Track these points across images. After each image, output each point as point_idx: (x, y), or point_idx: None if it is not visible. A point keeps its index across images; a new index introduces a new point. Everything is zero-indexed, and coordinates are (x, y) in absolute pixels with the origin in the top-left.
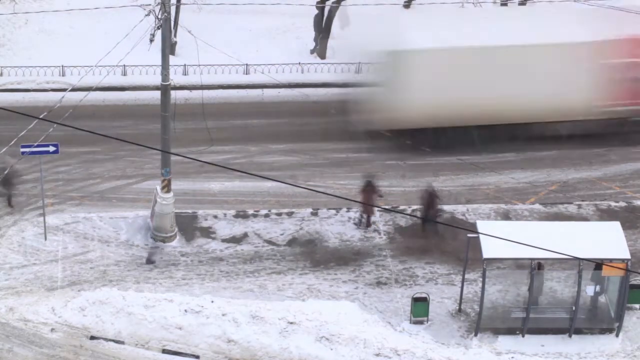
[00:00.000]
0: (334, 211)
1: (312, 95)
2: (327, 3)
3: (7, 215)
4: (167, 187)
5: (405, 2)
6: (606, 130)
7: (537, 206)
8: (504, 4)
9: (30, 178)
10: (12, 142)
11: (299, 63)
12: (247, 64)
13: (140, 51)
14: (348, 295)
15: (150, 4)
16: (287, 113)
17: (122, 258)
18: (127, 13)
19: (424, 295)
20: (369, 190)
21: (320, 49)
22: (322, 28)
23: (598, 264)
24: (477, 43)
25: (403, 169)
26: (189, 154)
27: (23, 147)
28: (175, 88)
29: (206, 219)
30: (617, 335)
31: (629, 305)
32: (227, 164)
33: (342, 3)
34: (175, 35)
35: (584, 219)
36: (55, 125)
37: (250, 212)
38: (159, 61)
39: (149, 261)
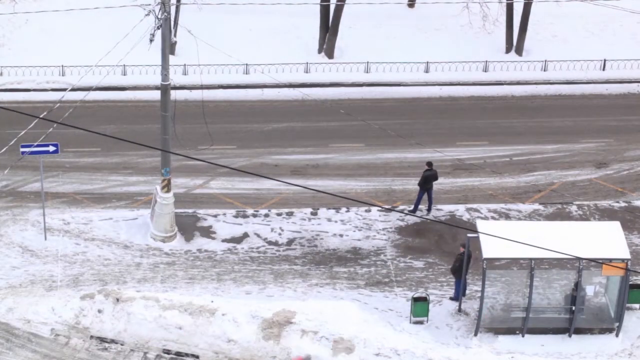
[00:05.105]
0: (333, 211)
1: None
2: (332, 1)
3: (6, 215)
4: (166, 187)
5: (409, 1)
6: None
7: (537, 206)
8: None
9: (30, 178)
10: (13, 141)
11: (307, 63)
12: (247, 64)
13: (140, 51)
14: (348, 295)
15: (150, 4)
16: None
17: (122, 258)
18: (127, 13)
19: (424, 295)
20: None
21: (327, 49)
22: (329, 27)
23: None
24: None
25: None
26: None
27: (23, 146)
28: (176, 88)
29: (206, 219)
30: (617, 335)
31: (629, 305)
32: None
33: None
34: (175, 35)
35: (584, 219)
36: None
37: (250, 212)
38: (159, 61)
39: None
